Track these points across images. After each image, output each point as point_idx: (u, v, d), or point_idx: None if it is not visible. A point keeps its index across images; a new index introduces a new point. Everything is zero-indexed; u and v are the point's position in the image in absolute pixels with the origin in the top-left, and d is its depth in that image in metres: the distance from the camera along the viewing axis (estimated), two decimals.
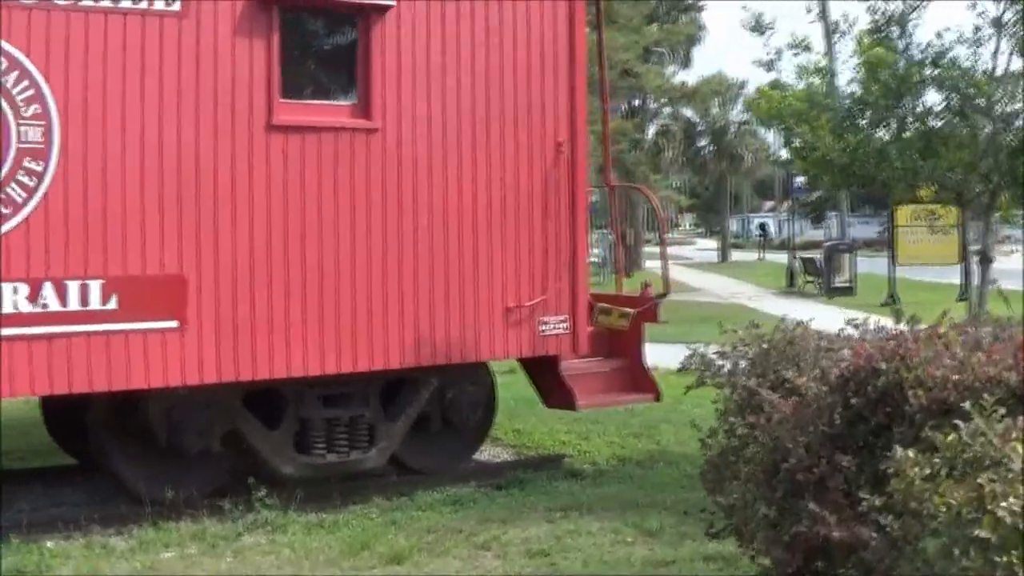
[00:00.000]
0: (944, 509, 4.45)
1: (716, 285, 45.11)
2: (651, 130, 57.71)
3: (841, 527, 5.49)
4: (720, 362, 7.31)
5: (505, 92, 11.27)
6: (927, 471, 4.68)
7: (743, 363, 7.08)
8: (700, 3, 60.20)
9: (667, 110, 59.13)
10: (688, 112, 60.54)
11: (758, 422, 6.26)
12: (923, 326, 6.25)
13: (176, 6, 9.79)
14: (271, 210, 10.15)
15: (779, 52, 16.62)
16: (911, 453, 4.79)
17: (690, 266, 60.91)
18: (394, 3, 10.63)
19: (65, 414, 11.70)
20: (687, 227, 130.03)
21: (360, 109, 10.63)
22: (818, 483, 5.72)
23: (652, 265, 61.07)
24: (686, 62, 60.87)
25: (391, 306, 10.68)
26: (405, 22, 10.74)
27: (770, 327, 7.31)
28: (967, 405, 4.81)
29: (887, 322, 6.82)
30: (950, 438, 4.71)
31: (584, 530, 9.66)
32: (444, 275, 10.95)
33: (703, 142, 63.33)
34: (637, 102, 56.47)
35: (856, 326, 6.95)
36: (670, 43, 52.50)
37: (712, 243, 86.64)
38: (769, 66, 16.95)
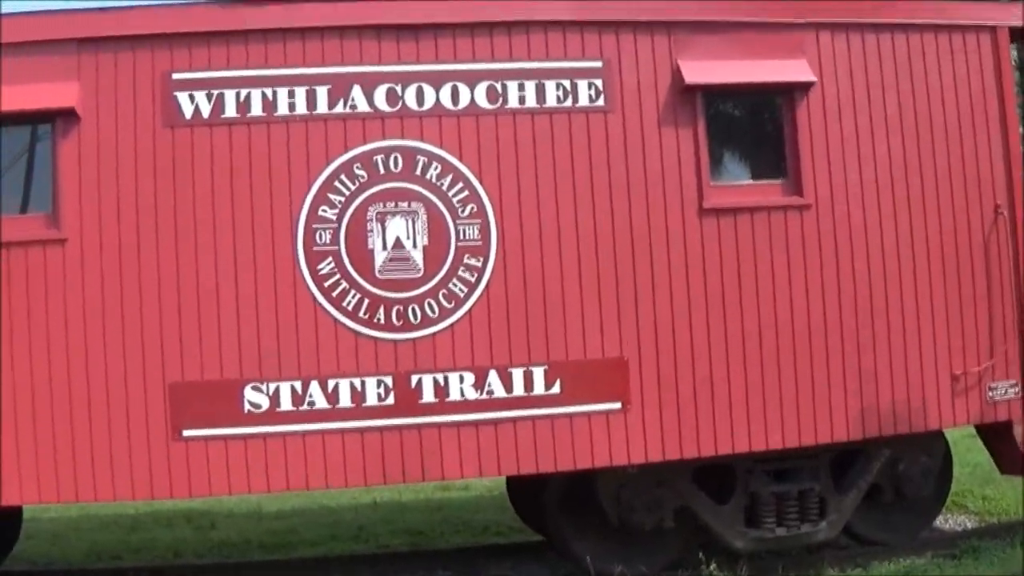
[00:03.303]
0: None
1: None
2: None
3: None
4: None
5: (937, 155, 11.09)
6: None
7: None
8: None
9: None
10: None
11: None
12: None
13: (600, 102, 10.32)
14: (708, 290, 10.42)
15: None
16: None
17: None
18: (816, 79, 10.75)
19: (527, 493, 12.27)
20: None
21: (791, 186, 10.75)
22: None
23: None
24: None
25: (834, 378, 10.67)
26: (829, 95, 10.82)
27: None
28: None
29: None
30: None
31: None
32: (887, 344, 10.84)
33: None
34: None
35: None
36: None
37: None
38: None
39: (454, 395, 9.95)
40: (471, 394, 9.97)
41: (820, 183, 10.74)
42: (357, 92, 10.04)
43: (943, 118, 11.18)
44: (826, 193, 10.75)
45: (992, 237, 11.22)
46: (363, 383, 9.87)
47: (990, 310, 11.20)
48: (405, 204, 10.01)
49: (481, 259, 10.07)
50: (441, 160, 10.07)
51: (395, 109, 10.08)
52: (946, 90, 11.22)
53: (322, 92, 10.01)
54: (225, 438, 9.72)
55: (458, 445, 9.95)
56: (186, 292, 9.72)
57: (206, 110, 9.89)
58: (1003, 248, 11.26)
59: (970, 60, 11.32)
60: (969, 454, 14.18)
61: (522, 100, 10.22)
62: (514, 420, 10.01)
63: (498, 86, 10.20)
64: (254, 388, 9.75)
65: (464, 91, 10.16)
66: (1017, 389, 11.27)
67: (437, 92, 10.13)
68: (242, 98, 9.93)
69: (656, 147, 10.40)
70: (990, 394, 11.18)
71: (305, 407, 9.81)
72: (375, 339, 9.92)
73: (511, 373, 10.02)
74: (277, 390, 9.78)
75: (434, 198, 10.04)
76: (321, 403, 9.82)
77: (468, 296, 10.03)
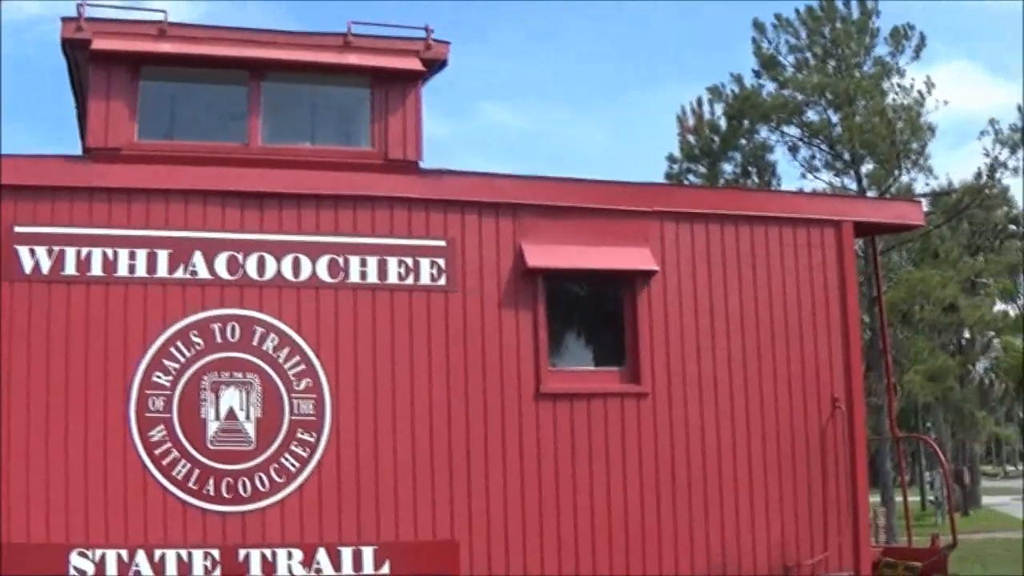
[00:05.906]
0: None
1: None
2: (980, 365, 55.78)
3: None
4: None
5: (777, 347, 11.25)
6: None
7: None
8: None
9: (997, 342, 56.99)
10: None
11: None
12: None
13: (442, 281, 10.35)
14: (541, 474, 10.39)
15: None
16: None
17: None
18: (658, 267, 10.89)
19: None
20: None
21: (629, 374, 10.83)
22: None
23: (991, 501, 58.81)
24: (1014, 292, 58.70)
25: (666, 563, 10.63)
26: (671, 284, 10.96)
27: None
28: None
29: None
30: None
31: None
32: (720, 534, 10.84)
33: None
34: (966, 337, 54.76)
35: None
36: (991, 273, 50.77)
37: None
38: None
39: (282, 571, 9.74)
40: (299, 571, 9.78)
41: (659, 372, 10.82)
42: (198, 258, 9.97)
43: (784, 311, 11.36)
44: (664, 382, 10.84)
45: (829, 430, 11.33)
46: (190, 555, 9.64)
47: (825, 502, 11.25)
48: (240, 375, 9.90)
49: (315, 434, 9.95)
50: (279, 332, 10.00)
51: (235, 277, 10.01)
52: (788, 283, 11.42)
53: (163, 256, 9.91)
54: None
55: None
56: (15, 450, 9.45)
57: (46, 266, 9.74)
58: (839, 441, 11.37)
59: (813, 253, 11.55)
60: None
61: (364, 275, 10.22)
62: None
63: (340, 260, 10.20)
64: (80, 554, 9.48)
65: (306, 263, 10.14)
66: None
67: (279, 262, 10.10)
68: (83, 256, 9.80)
69: (496, 329, 10.44)
70: None
71: None
72: (204, 510, 9.71)
73: (340, 552, 9.86)
74: (103, 557, 9.51)
75: (270, 370, 9.95)
76: (147, 572, 9.56)
77: (300, 471, 9.89)
